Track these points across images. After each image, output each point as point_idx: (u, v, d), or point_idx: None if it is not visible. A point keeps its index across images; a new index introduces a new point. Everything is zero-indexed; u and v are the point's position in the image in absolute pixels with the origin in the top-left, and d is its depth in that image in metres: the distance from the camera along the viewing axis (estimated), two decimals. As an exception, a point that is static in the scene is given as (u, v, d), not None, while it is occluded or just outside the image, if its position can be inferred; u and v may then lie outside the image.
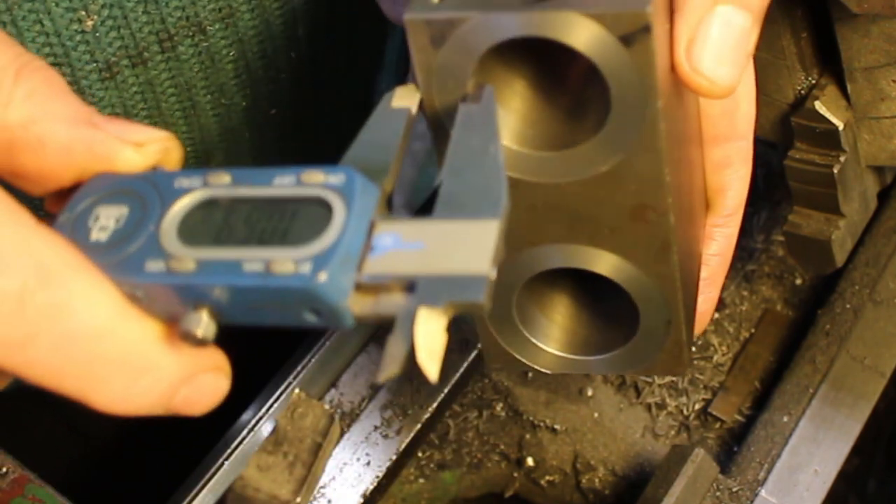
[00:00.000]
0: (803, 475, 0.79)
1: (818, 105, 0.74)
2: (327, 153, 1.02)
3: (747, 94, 0.67)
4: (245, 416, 0.82)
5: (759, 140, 0.73)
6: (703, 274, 0.71)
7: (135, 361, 0.50)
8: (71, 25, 0.70)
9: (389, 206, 0.52)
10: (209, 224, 0.51)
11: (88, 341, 0.49)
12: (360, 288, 0.49)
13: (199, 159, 0.85)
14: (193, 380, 0.51)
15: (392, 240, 0.49)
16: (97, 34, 0.72)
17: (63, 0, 0.69)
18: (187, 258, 0.49)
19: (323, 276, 0.48)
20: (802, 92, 0.76)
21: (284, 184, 0.51)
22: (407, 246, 0.49)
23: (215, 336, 0.50)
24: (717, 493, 0.78)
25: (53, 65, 0.71)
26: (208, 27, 0.76)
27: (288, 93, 0.86)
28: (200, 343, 0.49)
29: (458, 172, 0.51)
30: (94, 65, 0.73)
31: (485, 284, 0.47)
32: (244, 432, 0.81)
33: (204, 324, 0.49)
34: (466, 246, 0.48)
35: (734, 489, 0.78)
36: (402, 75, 1.11)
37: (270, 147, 0.90)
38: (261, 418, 0.82)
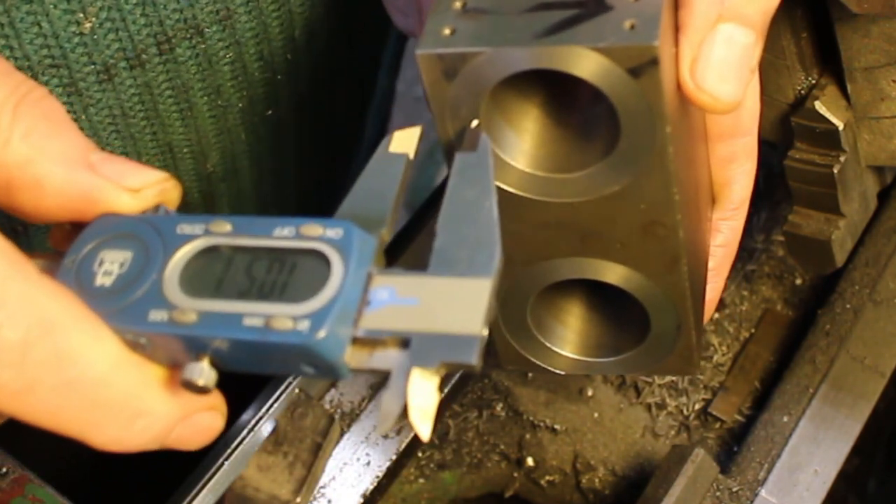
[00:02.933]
0: (803, 475, 0.79)
1: (818, 105, 0.74)
2: (324, 153, 1.02)
3: (751, 90, 0.67)
4: (245, 416, 0.82)
5: (759, 140, 0.73)
6: (710, 264, 0.72)
7: (132, 406, 0.52)
8: (69, 27, 0.70)
9: (387, 256, 0.53)
10: (210, 274, 0.52)
11: (88, 389, 0.50)
12: (356, 342, 0.50)
13: (195, 160, 0.85)
14: (188, 419, 0.53)
15: (388, 294, 0.50)
16: (95, 36, 0.72)
17: (61, 2, 0.69)
18: (189, 310, 0.51)
19: (321, 334, 0.49)
20: (802, 92, 0.76)
21: (284, 235, 0.52)
22: (402, 301, 0.50)
23: (216, 383, 0.51)
24: (717, 493, 0.78)
25: (51, 66, 0.71)
26: (206, 29, 0.76)
27: (285, 94, 0.86)
28: (202, 391, 0.51)
29: (452, 225, 0.52)
30: (92, 67, 0.73)
31: (477, 345, 0.48)
32: (244, 432, 0.81)
33: (205, 373, 0.51)
34: (459, 305, 0.49)
35: (734, 489, 0.78)
36: (396, 74, 1.11)
37: (266, 148, 0.90)
38: (261, 418, 0.82)
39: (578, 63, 0.55)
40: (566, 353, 0.73)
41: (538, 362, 0.73)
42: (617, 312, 0.72)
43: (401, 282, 0.51)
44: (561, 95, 0.62)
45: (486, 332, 0.49)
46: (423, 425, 0.48)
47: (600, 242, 0.64)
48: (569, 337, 0.73)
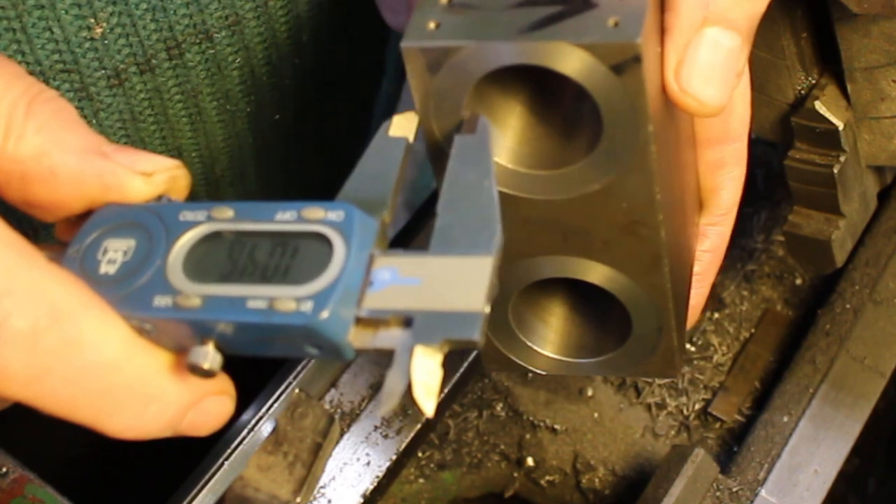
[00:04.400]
0: (803, 475, 0.79)
1: (818, 105, 0.74)
2: (330, 157, 1.03)
3: (742, 96, 0.67)
4: (245, 416, 0.82)
5: (759, 140, 0.73)
6: (696, 269, 0.72)
7: (143, 391, 0.52)
8: (80, 33, 0.71)
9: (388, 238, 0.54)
10: (213, 259, 0.52)
11: (99, 375, 0.51)
12: (359, 322, 0.50)
13: (203, 164, 0.85)
14: (199, 404, 0.53)
15: (390, 275, 0.51)
16: (106, 41, 0.72)
17: (73, 8, 0.69)
18: (193, 294, 0.51)
19: (324, 314, 0.49)
20: (802, 92, 0.76)
21: (286, 219, 0.53)
22: (404, 281, 0.51)
23: (221, 367, 0.52)
24: (717, 493, 0.78)
25: (62, 71, 0.72)
26: (215, 34, 0.76)
27: (292, 98, 0.86)
28: (207, 374, 0.51)
29: (453, 206, 0.53)
30: (103, 72, 0.73)
31: (479, 322, 0.49)
32: (244, 432, 0.81)
33: (210, 356, 0.51)
34: (461, 282, 0.50)
35: (734, 489, 0.78)
36: (401, 78, 1.11)
37: (274, 152, 0.91)
38: (261, 418, 0.82)
39: (562, 59, 0.55)
40: (547, 352, 0.72)
41: (519, 362, 0.72)
42: (599, 313, 0.72)
43: (403, 262, 0.51)
44: (545, 92, 0.62)
45: (487, 309, 0.49)
46: (427, 402, 0.48)
47: (582, 241, 0.63)
48: (550, 337, 0.73)
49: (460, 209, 0.53)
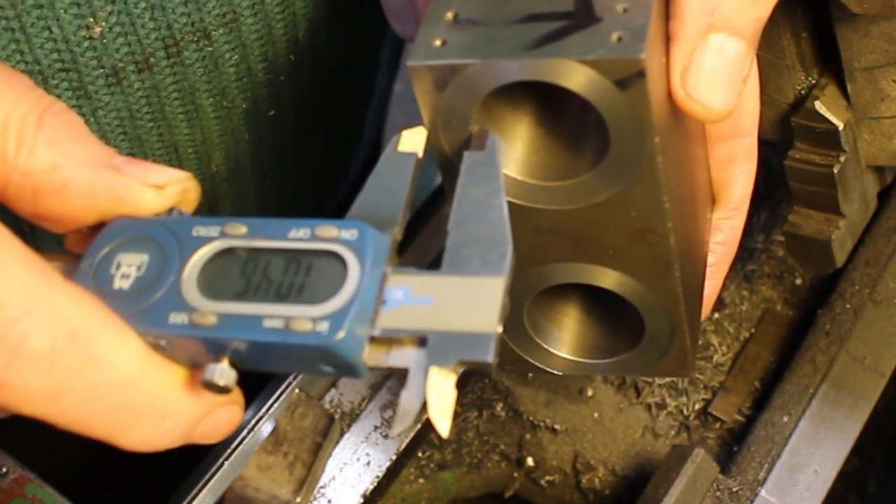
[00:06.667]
0: (803, 475, 0.79)
1: (818, 105, 0.74)
2: (325, 152, 1.03)
3: (751, 92, 0.67)
4: (245, 416, 0.82)
5: (759, 140, 0.73)
6: (709, 261, 0.72)
7: (159, 407, 0.52)
8: (79, 32, 0.71)
9: (399, 254, 0.54)
10: (228, 276, 0.53)
11: (116, 393, 0.51)
12: (373, 341, 0.51)
13: (200, 160, 0.86)
14: (210, 415, 0.54)
15: (403, 293, 0.51)
16: (105, 41, 0.72)
17: (72, 7, 0.69)
18: (209, 312, 0.51)
19: (340, 335, 0.50)
20: (802, 92, 0.76)
21: (299, 237, 0.53)
22: (417, 300, 0.51)
23: (236, 383, 0.52)
24: (717, 493, 0.78)
25: (61, 70, 0.72)
26: (213, 32, 0.77)
27: (287, 94, 0.87)
28: (222, 391, 0.52)
29: (464, 224, 0.53)
30: (101, 71, 0.73)
31: (492, 343, 0.49)
32: (244, 432, 0.81)
33: (225, 373, 0.52)
34: (474, 303, 0.50)
35: (734, 489, 0.78)
36: (394, 71, 1.12)
37: (268, 148, 0.91)
38: (261, 418, 0.82)
39: (567, 75, 0.55)
40: (562, 354, 0.73)
41: (535, 363, 0.73)
42: (612, 315, 0.73)
43: (415, 281, 0.51)
44: (551, 105, 0.62)
45: (500, 330, 0.49)
46: (442, 423, 0.49)
47: (593, 248, 0.64)
48: (565, 338, 0.73)
49: (471, 228, 0.53)
